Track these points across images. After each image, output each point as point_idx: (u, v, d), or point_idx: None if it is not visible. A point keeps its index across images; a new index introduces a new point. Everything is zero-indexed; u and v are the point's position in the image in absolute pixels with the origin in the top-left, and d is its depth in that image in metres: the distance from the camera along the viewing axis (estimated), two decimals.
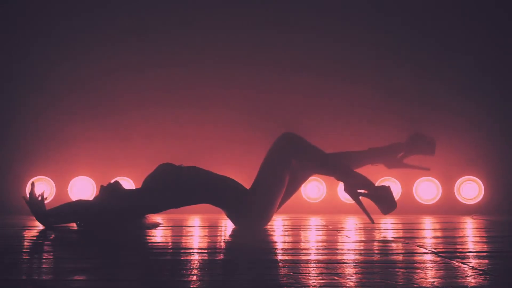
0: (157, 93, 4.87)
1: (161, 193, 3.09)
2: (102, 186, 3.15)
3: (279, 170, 3.17)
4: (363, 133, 4.82)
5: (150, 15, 4.91)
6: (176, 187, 3.10)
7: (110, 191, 3.13)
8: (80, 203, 3.19)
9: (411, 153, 3.34)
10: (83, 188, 4.68)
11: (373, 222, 3.32)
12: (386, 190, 3.21)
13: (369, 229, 3.29)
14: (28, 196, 3.17)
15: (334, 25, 4.89)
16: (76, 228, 3.19)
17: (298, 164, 3.29)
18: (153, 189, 3.11)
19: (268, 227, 3.30)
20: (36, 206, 3.16)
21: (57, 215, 3.17)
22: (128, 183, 4.64)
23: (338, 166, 3.23)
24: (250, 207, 3.14)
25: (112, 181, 3.21)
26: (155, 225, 3.26)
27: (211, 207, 3.22)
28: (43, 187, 4.67)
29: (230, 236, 3.05)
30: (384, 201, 3.20)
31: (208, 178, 3.17)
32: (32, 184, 3.24)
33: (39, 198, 3.18)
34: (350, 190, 3.22)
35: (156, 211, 3.20)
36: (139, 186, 4.45)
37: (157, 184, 3.11)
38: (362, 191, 3.20)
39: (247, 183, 3.31)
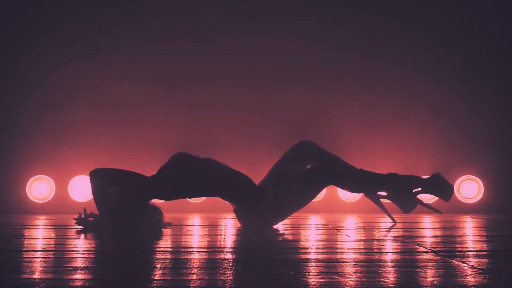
0: (156, 93, 4.87)
1: (176, 181, 3.10)
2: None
3: (310, 192, 3.20)
4: (366, 134, 4.83)
5: (152, 15, 4.91)
6: (191, 177, 3.10)
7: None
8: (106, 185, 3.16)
9: (427, 191, 3.31)
10: (82, 187, 4.68)
11: (395, 222, 3.46)
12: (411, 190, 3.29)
13: (368, 228, 3.29)
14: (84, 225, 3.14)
15: (334, 30, 4.90)
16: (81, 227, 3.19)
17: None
18: (168, 177, 3.11)
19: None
20: (94, 223, 3.13)
21: (103, 205, 3.13)
22: None
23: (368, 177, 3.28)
24: (263, 209, 3.16)
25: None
26: (169, 224, 3.27)
27: (211, 206, 3.23)
28: (44, 187, 4.68)
29: (229, 235, 3.05)
30: (403, 200, 3.28)
31: (223, 171, 3.18)
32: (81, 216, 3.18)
33: (88, 217, 3.15)
34: (370, 195, 3.30)
35: (169, 199, 3.20)
36: None
37: (172, 172, 3.11)
38: (382, 193, 3.29)
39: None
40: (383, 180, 3.27)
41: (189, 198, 3.21)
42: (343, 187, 3.33)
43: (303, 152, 3.24)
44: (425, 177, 3.34)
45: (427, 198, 4.15)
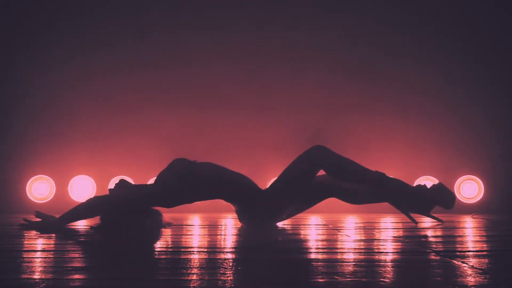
0: (156, 93, 4.88)
1: (175, 188, 3.09)
2: (110, 190, 3.15)
3: (300, 180, 3.18)
4: (366, 134, 4.83)
5: (154, 14, 4.92)
6: (190, 183, 3.10)
7: (121, 188, 3.12)
8: (95, 200, 3.17)
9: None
10: (83, 187, 4.68)
11: (416, 223, 3.43)
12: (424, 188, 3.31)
13: (369, 228, 3.29)
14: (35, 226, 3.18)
15: (342, 21, 4.90)
16: (82, 228, 3.19)
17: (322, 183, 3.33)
18: (167, 184, 3.10)
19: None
20: (45, 224, 3.16)
21: (72, 217, 3.17)
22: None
23: (373, 174, 3.25)
24: (263, 207, 3.16)
25: (117, 181, 3.20)
26: (169, 224, 3.28)
27: (211, 206, 3.22)
28: (44, 187, 4.69)
29: (230, 235, 3.05)
30: (424, 200, 3.30)
31: (222, 175, 3.17)
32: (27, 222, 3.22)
33: (38, 219, 3.19)
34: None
35: (170, 206, 3.20)
36: (139, 183, 4.46)
37: (171, 179, 3.11)
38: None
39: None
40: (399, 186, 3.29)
41: (189, 203, 3.19)
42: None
43: (315, 160, 3.20)
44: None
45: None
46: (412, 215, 3.44)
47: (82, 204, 3.14)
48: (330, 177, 3.26)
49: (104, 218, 3.05)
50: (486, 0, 4.91)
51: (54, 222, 3.15)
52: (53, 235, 2.95)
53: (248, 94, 4.88)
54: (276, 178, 3.28)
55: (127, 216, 3.06)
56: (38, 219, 3.21)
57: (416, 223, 3.41)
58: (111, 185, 3.35)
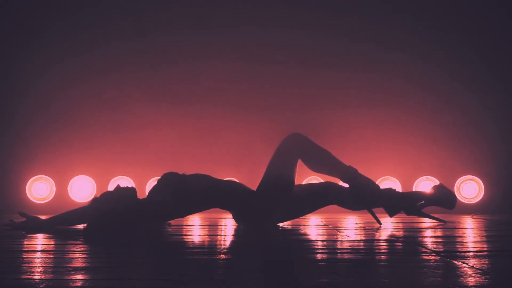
0: (156, 92, 4.87)
1: (167, 205, 3.08)
2: (118, 186, 3.15)
3: (283, 169, 3.17)
4: (366, 133, 4.83)
5: (151, 12, 4.91)
6: (182, 195, 3.08)
7: (122, 196, 3.10)
8: (87, 210, 3.16)
9: (430, 203, 3.40)
10: (82, 187, 4.68)
11: (380, 223, 3.40)
12: (393, 193, 3.31)
13: (369, 229, 3.29)
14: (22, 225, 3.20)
15: (336, 20, 4.90)
16: (81, 228, 3.20)
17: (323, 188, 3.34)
18: (159, 201, 3.09)
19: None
20: (31, 223, 3.17)
21: (60, 221, 3.17)
22: (128, 182, 4.65)
23: (345, 168, 3.24)
24: (255, 207, 3.15)
25: (129, 186, 3.19)
26: (168, 224, 3.27)
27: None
28: (44, 187, 4.69)
29: (229, 235, 3.05)
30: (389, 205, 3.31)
31: (213, 184, 3.16)
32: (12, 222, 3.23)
33: (24, 219, 3.20)
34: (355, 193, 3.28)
35: (163, 221, 3.21)
36: (138, 183, 4.47)
37: (162, 196, 3.09)
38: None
39: (247, 182, 3.33)
40: (382, 193, 3.28)
41: (183, 217, 3.20)
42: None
43: (292, 147, 3.21)
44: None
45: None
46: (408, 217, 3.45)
47: (73, 211, 3.15)
48: (313, 168, 3.26)
49: (91, 226, 3.05)
50: None
51: (40, 223, 3.16)
52: (52, 235, 2.95)
53: (248, 94, 4.87)
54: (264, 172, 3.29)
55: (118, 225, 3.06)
56: (23, 219, 3.21)
57: (381, 223, 3.40)
58: (123, 184, 3.37)
